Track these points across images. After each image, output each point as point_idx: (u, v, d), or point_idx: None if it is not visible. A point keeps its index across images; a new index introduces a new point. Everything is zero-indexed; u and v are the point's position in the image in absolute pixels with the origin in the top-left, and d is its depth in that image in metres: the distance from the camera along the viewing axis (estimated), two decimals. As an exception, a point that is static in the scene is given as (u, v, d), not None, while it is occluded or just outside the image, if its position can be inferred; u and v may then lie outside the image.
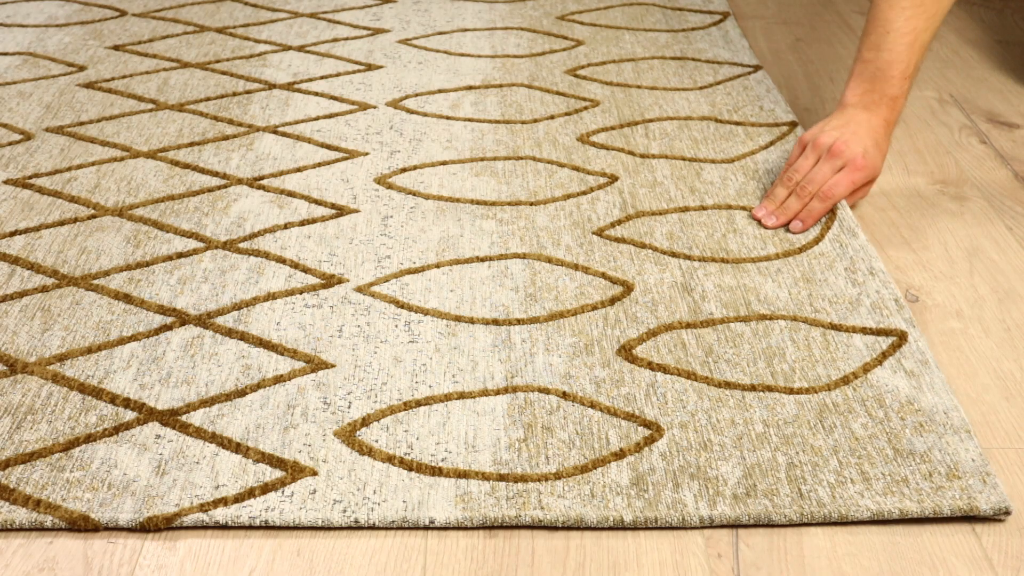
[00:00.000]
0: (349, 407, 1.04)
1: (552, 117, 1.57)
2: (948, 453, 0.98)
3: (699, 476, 0.96)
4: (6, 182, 1.41)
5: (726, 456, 0.99)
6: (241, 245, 1.28)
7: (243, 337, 1.13)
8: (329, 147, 1.49)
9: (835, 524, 0.93)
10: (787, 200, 1.31)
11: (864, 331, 1.14)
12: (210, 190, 1.39)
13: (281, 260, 1.25)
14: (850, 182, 1.29)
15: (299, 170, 1.43)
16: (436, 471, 0.97)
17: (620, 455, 0.99)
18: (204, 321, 1.15)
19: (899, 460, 0.98)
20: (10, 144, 1.49)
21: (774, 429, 1.02)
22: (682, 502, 0.94)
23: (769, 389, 1.06)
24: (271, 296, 1.19)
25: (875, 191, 1.41)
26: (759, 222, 1.31)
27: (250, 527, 0.93)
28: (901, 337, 1.12)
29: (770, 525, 0.93)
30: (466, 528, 0.93)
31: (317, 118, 1.56)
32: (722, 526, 0.93)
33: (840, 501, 0.94)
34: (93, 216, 1.33)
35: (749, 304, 1.18)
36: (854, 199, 1.34)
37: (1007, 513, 0.93)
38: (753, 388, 1.07)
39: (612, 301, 1.19)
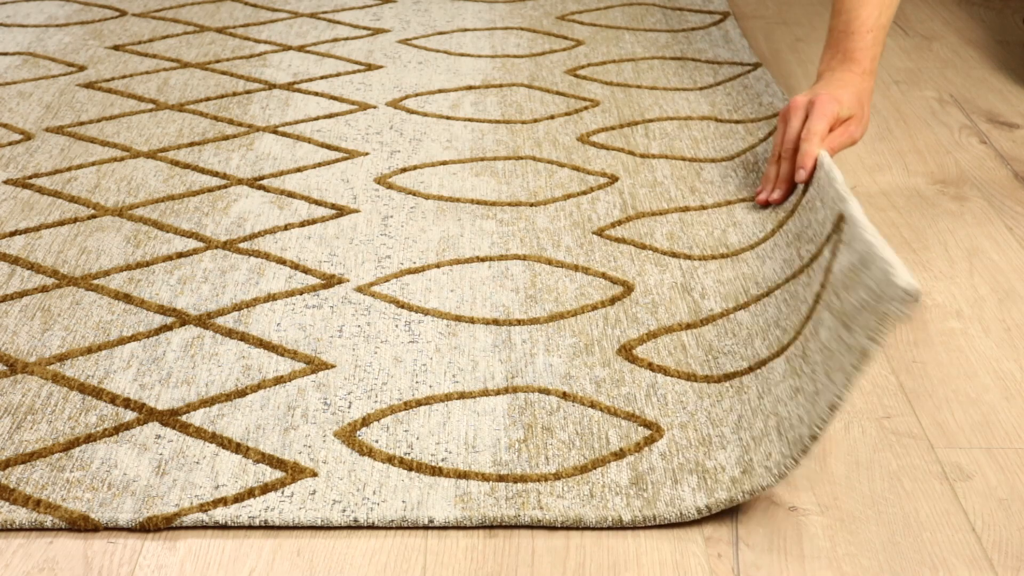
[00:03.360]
0: (349, 407, 1.04)
1: (552, 117, 1.57)
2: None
3: (697, 470, 0.96)
4: (6, 182, 1.41)
5: (724, 444, 0.99)
6: (241, 245, 1.28)
7: (243, 338, 1.13)
8: (329, 147, 1.49)
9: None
10: (780, 169, 1.31)
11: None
12: (210, 190, 1.39)
13: (281, 261, 1.25)
14: (821, 115, 1.28)
15: (299, 170, 1.43)
16: (436, 471, 0.97)
17: (620, 455, 0.99)
18: (204, 321, 1.16)
19: None
20: (10, 144, 1.50)
21: (767, 397, 1.01)
22: (680, 498, 0.94)
23: (763, 363, 1.06)
24: (271, 297, 1.19)
25: (875, 191, 1.41)
26: (764, 205, 1.32)
27: (250, 527, 0.93)
28: None
29: (767, 499, 0.93)
30: (465, 528, 0.93)
31: (317, 118, 1.56)
32: (719, 514, 0.93)
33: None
34: (93, 216, 1.33)
35: (748, 291, 1.19)
36: (839, 143, 1.31)
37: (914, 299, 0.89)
38: (750, 370, 1.06)
39: (612, 301, 1.19)
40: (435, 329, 1.15)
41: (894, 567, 0.89)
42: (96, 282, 1.22)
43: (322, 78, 1.68)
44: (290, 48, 1.78)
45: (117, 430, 1.02)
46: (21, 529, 0.93)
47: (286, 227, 1.31)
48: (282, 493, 0.95)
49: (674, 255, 1.27)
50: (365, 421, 1.03)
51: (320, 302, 1.19)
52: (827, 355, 0.94)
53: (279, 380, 1.08)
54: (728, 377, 1.07)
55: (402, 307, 1.18)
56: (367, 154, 1.47)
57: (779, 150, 1.32)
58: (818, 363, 0.95)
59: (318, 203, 1.36)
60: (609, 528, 0.93)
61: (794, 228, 1.23)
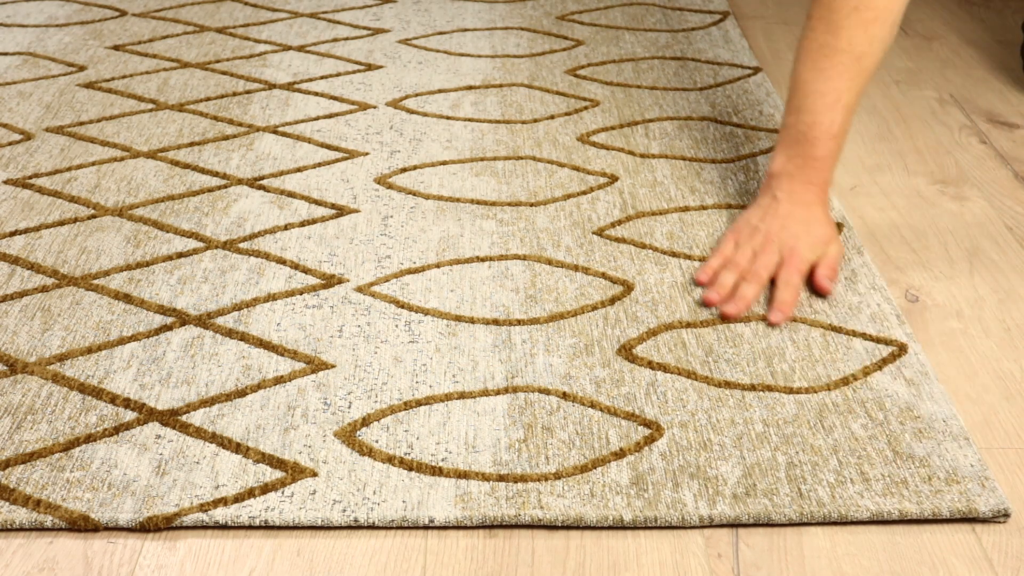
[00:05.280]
0: (349, 407, 1.04)
1: (552, 117, 1.57)
2: (947, 459, 0.98)
3: (699, 476, 0.96)
4: (6, 182, 1.41)
5: (726, 456, 0.99)
6: (241, 245, 1.28)
7: (243, 337, 1.13)
8: (329, 147, 1.49)
9: (835, 524, 0.93)
10: (742, 288, 1.19)
11: (864, 336, 1.13)
12: (210, 190, 1.39)
13: (281, 260, 1.25)
14: (796, 270, 1.19)
15: (299, 170, 1.43)
16: (436, 471, 0.97)
17: (620, 455, 0.99)
18: (204, 321, 1.16)
19: (899, 462, 0.98)
20: (10, 144, 1.49)
21: (774, 428, 1.02)
22: (681, 501, 0.94)
23: (769, 389, 1.06)
24: (271, 297, 1.19)
25: (875, 191, 1.41)
26: (705, 302, 1.18)
27: (250, 527, 0.93)
28: (901, 348, 1.12)
29: (770, 524, 0.93)
30: (466, 527, 0.93)
31: (317, 118, 1.56)
32: (721, 525, 0.93)
33: (840, 501, 0.94)
34: (93, 216, 1.33)
35: None
36: (828, 274, 1.21)
37: (1006, 515, 0.93)
38: (753, 388, 1.07)
39: (612, 301, 1.19)
40: (435, 329, 1.15)
41: (894, 567, 0.89)
42: (96, 282, 1.22)
43: (322, 78, 1.68)
44: (290, 48, 1.78)
45: (117, 430, 1.02)
46: (21, 529, 0.93)
47: (286, 227, 1.31)
48: (282, 493, 0.95)
49: (674, 255, 1.27)
50: (365, 421, 1.03)
51: (320, 302, 1.19)
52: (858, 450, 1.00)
53: (279, 380, 1.08)
54: (728, 385, 1.07)
55: (402, 307, 1.18)
56: (367, 154, 1.47)
57: (739, 269, 1.21)
58: (848, 451, 0.99)
59: (318, 203, 1.36)
60: (609, 528, 0.93)
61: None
